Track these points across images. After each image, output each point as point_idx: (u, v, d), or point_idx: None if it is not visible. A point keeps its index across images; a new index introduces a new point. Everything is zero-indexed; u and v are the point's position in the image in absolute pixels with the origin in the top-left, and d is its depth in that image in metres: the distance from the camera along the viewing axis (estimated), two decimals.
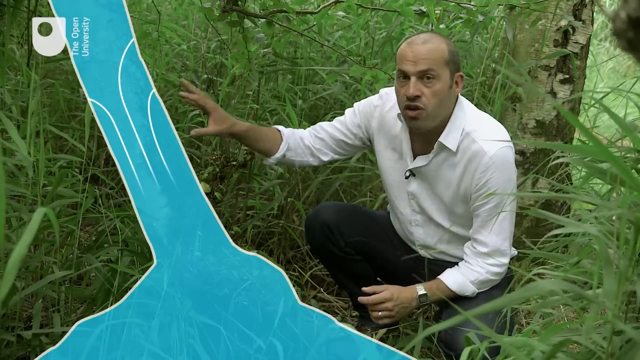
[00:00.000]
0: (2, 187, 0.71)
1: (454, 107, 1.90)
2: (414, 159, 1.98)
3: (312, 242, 2.14)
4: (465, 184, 1.90)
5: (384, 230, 2.15)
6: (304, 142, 2.07)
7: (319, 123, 2.12)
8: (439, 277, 1.95)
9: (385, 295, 1.92)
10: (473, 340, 1.39)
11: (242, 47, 2.28)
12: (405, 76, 1.85)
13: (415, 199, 2.02)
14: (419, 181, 1.99)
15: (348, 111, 2.10)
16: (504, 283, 1.97)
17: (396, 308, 1.92)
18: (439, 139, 1.89)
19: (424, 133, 1.91)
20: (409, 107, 1.84)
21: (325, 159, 2.11)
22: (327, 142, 2.07)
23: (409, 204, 2.04)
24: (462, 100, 1.93)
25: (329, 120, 2.75)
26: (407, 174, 2.00)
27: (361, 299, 1.96)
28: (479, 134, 1.87)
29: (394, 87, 1.94)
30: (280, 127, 2.09)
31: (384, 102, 2.02)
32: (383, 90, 2.06)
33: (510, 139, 1.92)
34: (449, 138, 1.88)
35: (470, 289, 1.91)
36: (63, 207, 2.01)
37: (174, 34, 3.10)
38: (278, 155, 2.05)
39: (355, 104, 2.10)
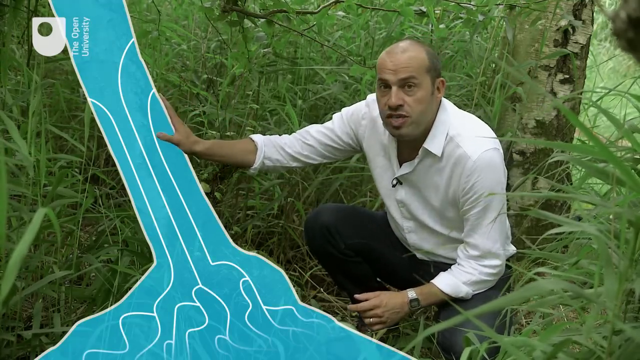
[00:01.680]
0: (4, 187, 0.72)
1: (437, 112, 1.89)
2: (400, 166, 1.98)
3: (311, 244, 2.14)
4: (453, 188, 1.89)
5: (383, 232, 2.15)
6: (286, 150, 2.05)
7: (305, 128, 2.09)
8: (431, 281, 1.95)
9: (374, 302, 1.93)
10: (472, 341, 1.39)
11: (242, 47, 2.28)
12: (386, 85, 1.84)
13: (405, 207, 2.02)
14: (406, 189, 1.99)
15: (336, 117, 2.08)
16: (501, 284, 1.96)
17: (386, 314, 1.92)
18: (423, 145, 1.89)
19: (410, 140, 1.90)
20: (392, 116, 1.84)
21: (313, 162, 2.10)
22: (316, 148, 2.06)
23: (399, 211, 2.04)
24: (445, 104, 1.92)
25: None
26: (394, 182, 2.00)
27: (350, 306, 1.97)
28: (462, 138, 1.85)
29: None
30: (255, 137, 2.06)
31: (372, 109, 2.01)
32: (370, 97, 2.04)
33: (496, 140, 1.90)
34: (433, 143, 1.88)
35: (463, 290, 1.91)
36: (63, 207, 2.01)
37: (174, 34, 3.10)
38: (255, 165, 2.04)
39: (343, 110, 2.08)
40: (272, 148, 2.04)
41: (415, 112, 1.82)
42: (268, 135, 2.09)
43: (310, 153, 2.06)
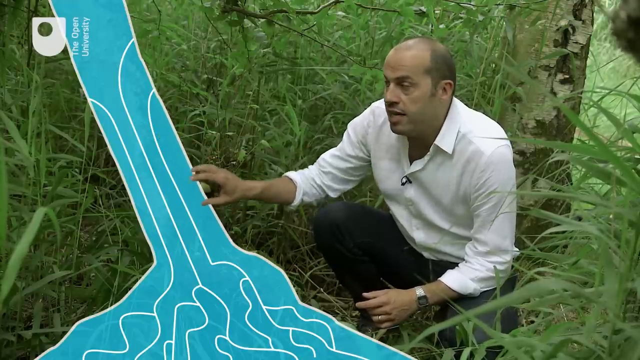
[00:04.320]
0: (4, 187, 0.72)
1: (447, 111, 1.90)
2: (411, 164, 1.99)
3: (320, 241, 2.14)
4: (464, 184, 1.90)
5: (390, 232, 2.16)
6: (316, 182, 2.09)
7: (321, 156, 2.13)
8: (439, 278, 1.96)
9: (382, 299, 1.93)
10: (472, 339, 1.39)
11: (242, 47, 2.28)
12: (386, 81, 1.87)
13: (413, 205, 2.03)
14: (415, 187, 2.00)
15: (345, 134, 2.11)
16: (509, 284, 1.96)
17: (394, 311, 1.92)
18: (434, 142, 1.90)
19: (420, 138, 1.92)
20: (389, 112, 1.87)
21: (337, 194, 2.13)
22: (335, 174, 2.09)
23: (407, 210, 2.05)
24: (457, 103, 1.94)
25: (328, 122, 2.74)
26: (404, 180, 2.01)
27: (359, 304, 1.97)
28: (475, 135, 1.88)
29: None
30: (291, 175, 2.10)
31: (377, 116, 2.04)
32: (374, 104, 2.08)
33: (507, 138, 1.93)
34: (444, 141, 1.89)
35: (471, 286, 1.91)
36: (63, 207, 2.01)
37: (174, 34, 3.10)
38: (296, 202, 2.08)
39: (349, 124, 2.11)
40: (307, 183, 2.09)
41: (410, 111, 1.84)
42: (300, 171, 2.13)
43: (331, 182, 2.10)
